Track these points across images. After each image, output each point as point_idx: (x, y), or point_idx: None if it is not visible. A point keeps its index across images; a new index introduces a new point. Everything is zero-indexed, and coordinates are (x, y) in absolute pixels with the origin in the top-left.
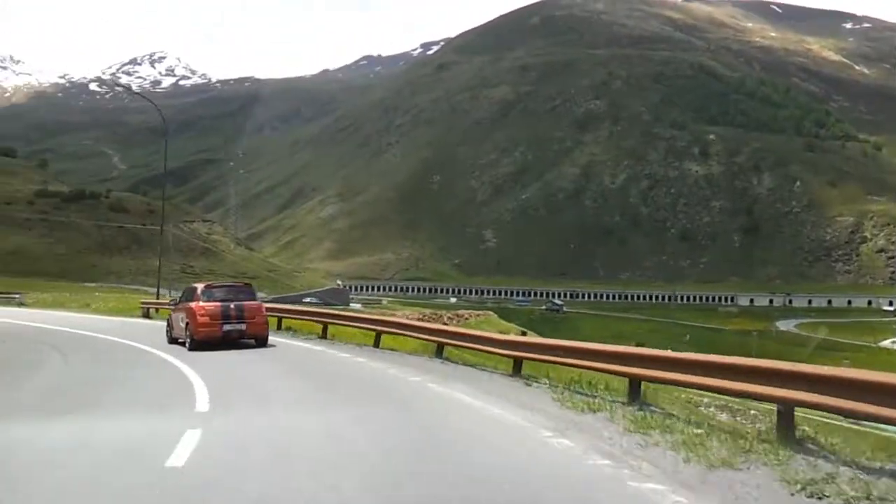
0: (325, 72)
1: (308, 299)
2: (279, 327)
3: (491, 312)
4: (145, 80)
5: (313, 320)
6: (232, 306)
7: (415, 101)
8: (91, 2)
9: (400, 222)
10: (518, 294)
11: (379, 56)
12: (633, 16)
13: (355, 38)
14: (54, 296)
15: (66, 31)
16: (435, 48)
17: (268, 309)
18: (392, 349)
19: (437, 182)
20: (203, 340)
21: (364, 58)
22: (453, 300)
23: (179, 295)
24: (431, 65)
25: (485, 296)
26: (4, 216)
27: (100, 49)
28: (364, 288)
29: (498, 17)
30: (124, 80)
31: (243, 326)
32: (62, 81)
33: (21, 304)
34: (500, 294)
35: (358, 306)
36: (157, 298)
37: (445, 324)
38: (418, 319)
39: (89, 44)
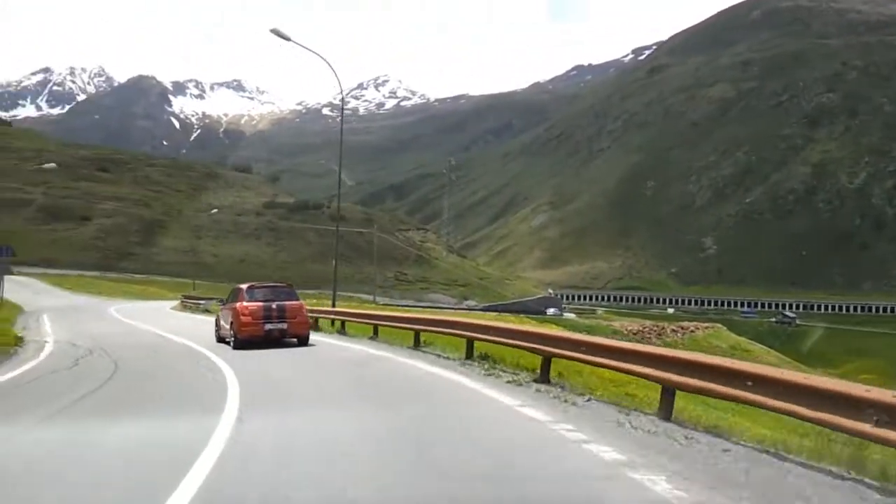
0: (536, 84)
1: (551, 311)
2: (417, 344)
3: (720, 325)
4: (370, 102)
5: (454, 333)
6: (273, 306)
7: (626, 106)
8: (322, 37)
9: (612, 230)
10: (743, 305)
11: (589, 65)
12: (869, 1)
13: (565, 49)
14: None
15: (303, 64)
16: (647, 53)
17: (426, 321)
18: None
19: (651, 187)
20: (246, 339)
21: (574, 68)
22: (671, 311)
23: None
24: (643, 69)
25: (705, 306)
26: (237, 226)
27: (331, 78)
28: (575, 297)
29: (713, 16)
30: (352, 104)
31: (284, 326)
32: (299, 108)
33: (206, 311)
34: (722, 305)
35: (571, 316)
36: (375, 304)
37: (668, 337)
38: (637, 332)
39: (323, 74)
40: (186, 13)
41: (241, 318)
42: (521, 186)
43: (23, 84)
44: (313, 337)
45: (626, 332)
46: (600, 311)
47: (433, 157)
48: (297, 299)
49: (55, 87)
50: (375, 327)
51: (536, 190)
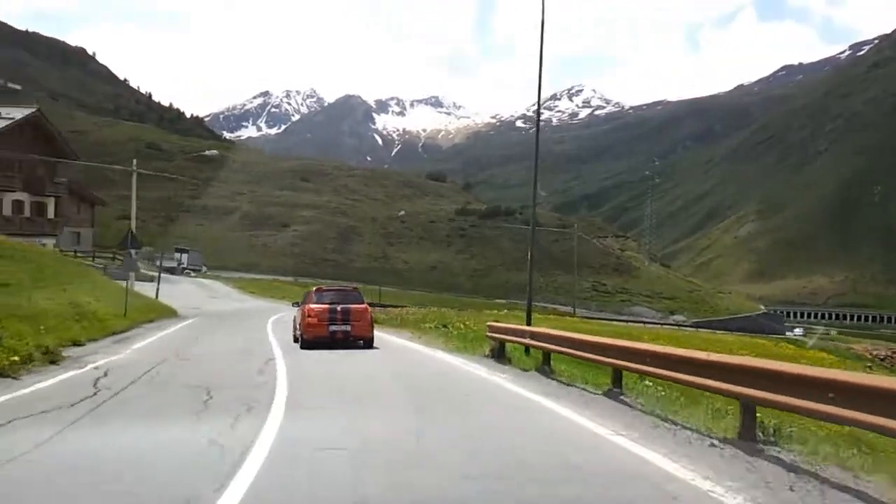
0: (740, 87)
1: (797, 331)
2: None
3: None
4: (563, 113)
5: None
6: (338, 308)
7: (845, 105)
8: (511, 51)
9: (831, 240)
10: None
11: (799, 64)
12: None
13: (771, 49)
14: (431, 312)
15: (499, 79)
16: (866, 48)
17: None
18: None
19: (879, 193)
20: (311, 340)
21: (783, 68)
22: None
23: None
24: (863, 64)
25: None
26: (429, 233)
27: (525, 90)
28: (791, 314)
29: None
30: (546, 115)
31: (348, 328)
32: (493, 121)
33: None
34: None
35: (798, 331)
36: (574, 315)
37: None
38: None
39: (516, 86)
40: (389, 35)
41: (307, 319)
42: (726, 194)
43: (245, 107)
44: (492, 379)
45: None
46: (833, 332)
47: (628, 166)
48: (363, 302)
49: (273, 109)
50: (617, 372)
51: (742, 198)
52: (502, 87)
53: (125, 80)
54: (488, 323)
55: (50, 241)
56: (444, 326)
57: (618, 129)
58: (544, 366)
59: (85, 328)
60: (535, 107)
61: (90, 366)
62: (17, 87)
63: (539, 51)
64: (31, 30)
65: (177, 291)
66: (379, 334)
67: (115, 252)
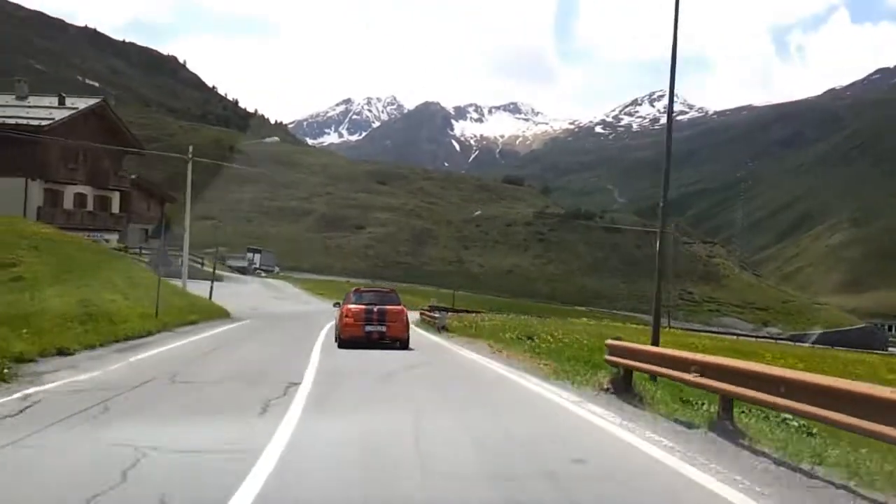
0: (831, 91)
1: None
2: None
3: None
4: (644, 119)
5: None
6: (375, 309)
7: None
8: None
9: None
10: None
11: None
12: None
13: (866, 52)
14: (515, 320)
15: (578, 83)
16: None
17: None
18: None
19: None
20: (347, 340)
21: (877, 71)
22: None
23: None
24: None
25: None
26: (506, 237)
27: (605, 95)
28: (891, 328)
29: None
30: (625, 120)
31: (384, 328)
32: (571, 127)
33: (444, 330)
34: None
35: None
36: (660, 329)
37: None
38: None
39: (597, 92)
40: (468, 43)
41: (345, 319)
42: (816, 201)
43: (328, 115)
44: (645, 450)
45: None
46: None
47: (711, 172)
48: (399, 304)
49: (354, 116)
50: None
51: (834, 205)
52: (581, 92)
53: (213, 87)
54: (608, 342)
55: (113, 237)
56: (529, 339)
57: (701, 135)
58: (725, 420)
59: (88, 332)
60: (615, 112)
61: (20, 392)
62: (95, 83)
63: (672, 42)
64: (127, 39)
65: (241, 291)
66: (449, 346)
67: (163, 245)
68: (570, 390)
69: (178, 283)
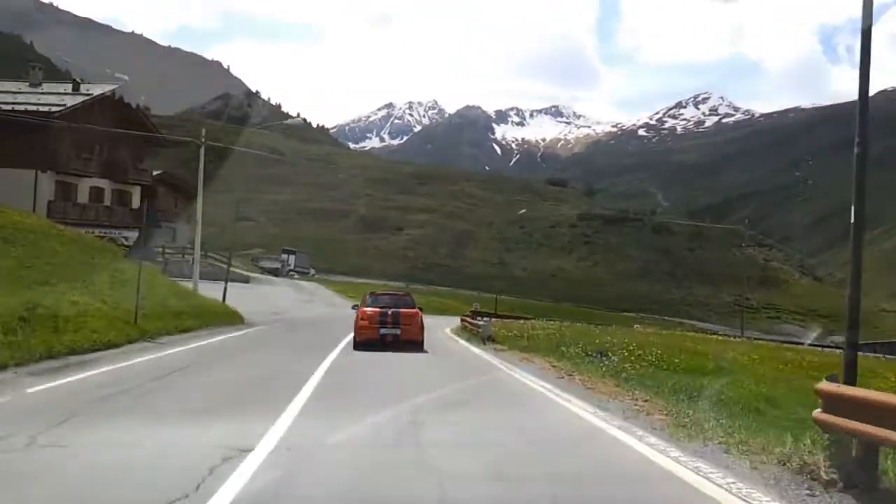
0: (884, 92)
1: None
2: None
3: None
4: (689, 121)
5: None
6: (389, 312)
7: None
8: (633, 59)
9: None
10: None
11: None
12: None
13: None
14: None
15: (620, 86)
16: None
17: None
18: None
19: None
20: (362, 342)
21: None
22: None
23: None
24: None
25: None
26: (549, 239)
27: (649, 98)
28: None
29: None
30: (669, 123)
31: (398, 331)
32: (614, 130)
33: (491, 341)
34: None
35: None
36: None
37: None
38: None
39: (640, 94)
40: (510, 47)
41: (360, 321)
42: (870, 205)
43: (370, 119)
44: None
45: None
46: None
47: (757, 176)
48: (414, 307)
49: (396, 121)
50: None
51: (890, 209)
52: (623, 95)
53: (256, 91)
54: (821, 386)
55: (133, 235)
56: (601, 354)
57: (747, 138)
58: None
59: (4, 344)
60: (659, 115)
61: None
62: (125, 77)
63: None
64: (172, 45)
65: (267, 294)
66: (499, 364)
67: (185, 248)
68: (737, 472)
69: (179, 281)
